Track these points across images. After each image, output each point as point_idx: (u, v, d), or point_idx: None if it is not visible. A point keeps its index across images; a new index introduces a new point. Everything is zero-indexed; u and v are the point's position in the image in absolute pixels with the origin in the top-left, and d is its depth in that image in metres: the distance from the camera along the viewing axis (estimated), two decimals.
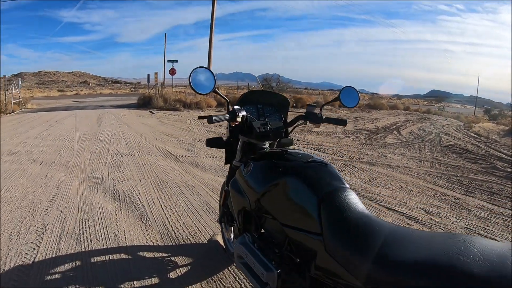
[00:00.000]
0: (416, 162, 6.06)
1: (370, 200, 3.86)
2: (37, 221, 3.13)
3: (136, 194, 3.86)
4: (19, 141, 7.13)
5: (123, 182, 4.30)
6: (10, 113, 12.95)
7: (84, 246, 2.68)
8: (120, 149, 6.39)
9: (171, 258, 2.49)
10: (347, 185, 1.34)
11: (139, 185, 4.19)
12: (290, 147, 1.99)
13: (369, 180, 4.76)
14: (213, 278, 2.24)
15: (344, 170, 5.25)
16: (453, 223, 3.32)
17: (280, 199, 1.39)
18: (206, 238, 2.82)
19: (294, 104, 18.20)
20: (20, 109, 14.52)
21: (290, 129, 1.97)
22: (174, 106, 15.92)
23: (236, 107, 1.68)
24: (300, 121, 1.86)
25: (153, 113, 14.10)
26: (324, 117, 1.82)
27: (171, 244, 2.71)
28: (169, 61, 23.34)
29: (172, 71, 23.47)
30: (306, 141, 7.81)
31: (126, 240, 2.77)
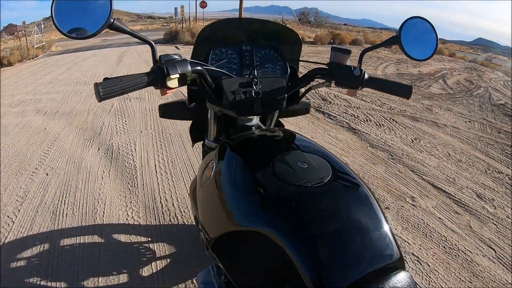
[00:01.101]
0: (465, 121, 5.07)
1: (412, 171, 3.13)
2: (20, 188, 2.82)
3: (131, 150, 3.37)
4: (32, 89, 6.86)
5: (122, 134, 3.82)
6: (33, 58, 12.82)
7: (58, 224, 2.31)
8: (131, 94, 5.86)
9: (150, 245, 1.97)
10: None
11: (137, 138, 3.69)
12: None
13: (412, 141, 3.93)
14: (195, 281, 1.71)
15: (383, 124, 4.41)
16: (507, 217, 2.54)
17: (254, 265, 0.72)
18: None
19: (332, 40, 16.31)
20: (44, 53, 14.37)
21: (301, 90, 1.19)
22: None
23: (168, 56, 0.91)
24: (320, 82, 1.09)
25: (178, 48, 13.32)
26: (366, 75, 1.02)
27: (155, 223, 2.19)
28: None
29: (203, 4, 22.23)
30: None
31: (104, 216, 2.32)
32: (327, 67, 1.04)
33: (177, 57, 0.90)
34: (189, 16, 20.89)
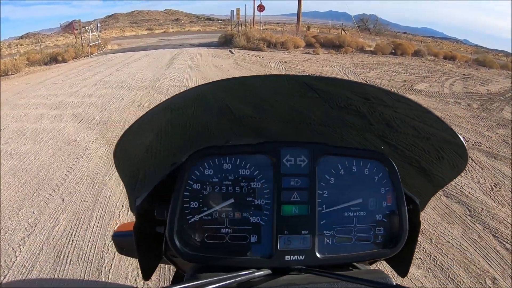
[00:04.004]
0: None
1: (493, 236, 2.46)
2: (33, 213, 2.67)
3: None
4: (76, 90, 7.05)
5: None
6: (88, 56, 13.49)
7: (60, 268, 2.08)
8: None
9: None
10: None
11: None
12: None
13: (491, 188, 3.19)
14: None
15: (457, 164, 3.61)
16: None
17: None
18: None
19: (393, 51, 15.33)
20: (98, 51, 15.11)
21: None
22: (257, 46, 14.81)
23: None
24: None
25: (232, 53, 13.27)
26: None
27: None
28: None
29: (260, 8, 22.48)
30: None
31: (111, 272, 1.98)
32: None
33: None
34: (245, 19, 21.03)
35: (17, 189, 2.97)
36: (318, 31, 29.03)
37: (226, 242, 0.48)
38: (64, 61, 11.95)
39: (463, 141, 0.51)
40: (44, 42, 20.77)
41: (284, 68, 9.17)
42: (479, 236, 2.45)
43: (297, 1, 21.41)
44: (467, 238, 2.43)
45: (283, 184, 0.49)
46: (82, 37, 15.20)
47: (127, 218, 2.52)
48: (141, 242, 0.53)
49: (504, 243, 2.38)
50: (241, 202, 0.48)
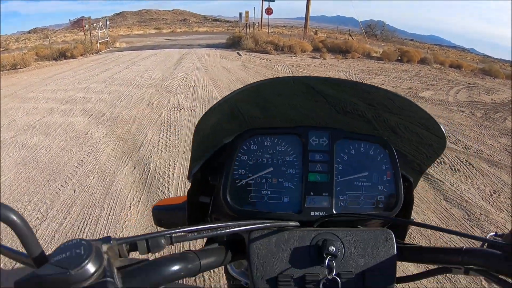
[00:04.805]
0: None
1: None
2: (44, 202, 2.71)
3: (169, 172, 3.12)
4: (85, 85, 7.13)
5: (163, 153, 3.59)
6: (96, 53, 13.62)
7: None
8: (182, 101, 5.76)
9: None
10: None
11: (178, 160, 3.43)
12: None
13: (491, 194, 3.23)
14: None
15: (458, 169, 3.74)
16: None
17: None
18: None
19: (399, 57, 15.40)
20: (107, 48, 15.26)
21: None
22: (264, 49, 14.90)
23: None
24: (479, 275, 0.51)
25: (240, 55, 13.36)
26: None
27: None
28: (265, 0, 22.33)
29: (269, 11, 22.62)
30: None
31: None
32: (501, 252, 0.46)
33: (86, 274, 0.31)
34: (254, 22, 21.15)
35: (29, 180, 3.03)
36: (325, 35, 29.12)
37: (265, 201, 0.60)
38: (72, 57, 12.07)
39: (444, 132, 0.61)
40: (52, 37, 20.94)
41: (291, 72, 9.23)
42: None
43: (305, 5, 21.51)
44: (465, 241, 2.48)
45: (310, 157, 0.61)
46: (91, 34, 15.34)
47: (137, 210, 2.57)
48: (190, 207, 0.67)
49: None
50: (278, 171, 0.60)
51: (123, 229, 2.36)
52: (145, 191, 2.83)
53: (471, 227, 2.66)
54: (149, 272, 0.38)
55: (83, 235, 2.28)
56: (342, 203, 0.61)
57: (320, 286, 0.48)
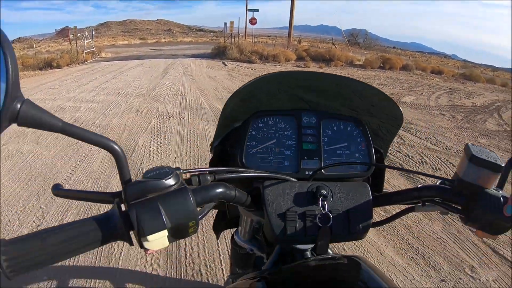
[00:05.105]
0: None
1: (472, 230, 2.69)
2: (40, 207, 2.80)
3: None
4: (74, 95, 7.16)
5: (155, 159, 3.71)
6: (82, 63, 13.61)
7: (73, 258, 2.11)
8: (171, 110, 5.88)
9: None
10: None
11: (170, 164, 3.53)
12: None
13: None
14: None
15: (439, 168, 4.01)
16: None
17: None
18: None
19: (382, 65, 15.96)
20: (93, 58, 15.25)
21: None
22: (249, 58, 15.17)
23: (149, 184, 0.49)
24: (429, 204, 0.70)
25: (225, 64, 13.56)
26: None
27: None
28: (249, 10, 22.71)
29: (253, 21, 23.01)
30: None
31: (120, 259, 2.11)
32: (450, 188, 0.66)
33: (170, 183, 0.49)
34: (238, 32, 21.45)
35: (22, 186, 3.09)
36: (309, 44, 29.61)
37: (271, 165, 0.77)
38: (58, 67, 12.05)
39: (398, 106, 0.81)
40: (37, 47, 20.76)
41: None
42: (458, 231, 2.70)
43: (288, 15, 21.96)
44: (446, 232, 2.69)
45: (303, 132, 0.80)
46: (77, 44, 15.32)
47: None
48: None
49: (483, 241, 2.63)
50: (279, 142, 0.79)
51: None
52: None
53: (452, 220, 2.87)
54: (203, 190, 0.55)
55: None
56: (328, 169, 0.80)
57: (317, 219, 0.64)
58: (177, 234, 0.49)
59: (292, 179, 0.71)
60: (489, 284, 2.15)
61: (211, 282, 2.02)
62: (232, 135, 0.85)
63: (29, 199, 2.86)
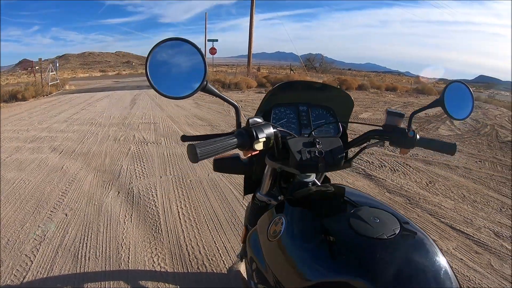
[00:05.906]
0: (476, 161, 5.46)
1: (430, 215, 3.30)
2: (38, 226, 2.90)
3: (152, 193, 3.53)
4: (46, 125, 7.20)
5: (142, 179, 3.97)
6: (47, 95, 13.46)
7: (79, 265, 2.35)
8: (147, 136, 6.14)
9: None
10: None
11: (157, 182, 3.84)
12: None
13: (427, 184, 4.18)
14: None
15: (398, 169, 4.67)
16: None
17: None
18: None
19: (339, 86, 17.22)
20: (58, 91, 15.11)
21: (352, 150, 1.32)
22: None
23: (254, 119, 1.02)
24: (374, 141, 1.24)
25: None
26: (417, 136, 1.20)
27: None
28: (209, 40, 23.56)
29: (213, 51, 23.79)
30: None
31: (129, 262, 2.38)
32: (382, 129, 1.21)
33: (260, 120, 1.04)
34: None
35: (15, 209, 3.22)
36: (268, 71, 30.78)
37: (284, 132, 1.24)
38: (24, 99, 11.87)
39: (350, 96, 1.38)
40: None
41: (241, 107, 9.92)
42: (418, 215, 3.28)
43: (245, 44, 22.80)
44: (408, 217, 3.18)
45: (300, 114, 1.33)
46: (42, 76, 15.14)
47: (132, 226, 2.92)
48: None
49: (439, 218, 3.25)
50: (288, 121, 1.30)
51: (123, 239, 2.71)
52: (134, 210, 3.19)
53: (412, 207, 3.44)
54: (260, 126, 1.01)
55: (86, 248, 2.59)
56: (316, 132, 1.29)
57: (316, 152, 1.09)
58: (266, 143, 0.99)
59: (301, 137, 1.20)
60: (450, 251, 2.69)
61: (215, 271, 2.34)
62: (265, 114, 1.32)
63: (24, 221, 3.02)
